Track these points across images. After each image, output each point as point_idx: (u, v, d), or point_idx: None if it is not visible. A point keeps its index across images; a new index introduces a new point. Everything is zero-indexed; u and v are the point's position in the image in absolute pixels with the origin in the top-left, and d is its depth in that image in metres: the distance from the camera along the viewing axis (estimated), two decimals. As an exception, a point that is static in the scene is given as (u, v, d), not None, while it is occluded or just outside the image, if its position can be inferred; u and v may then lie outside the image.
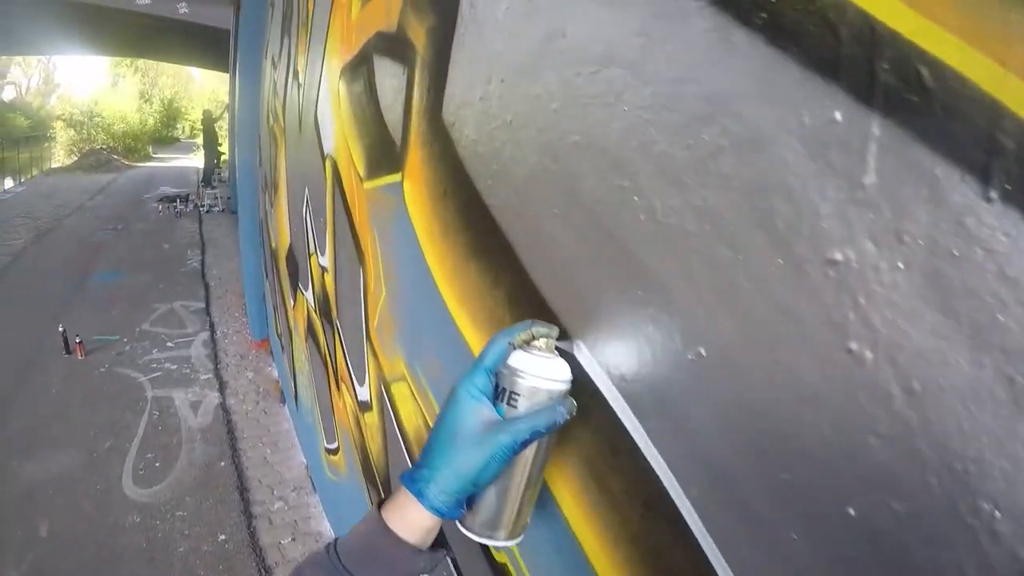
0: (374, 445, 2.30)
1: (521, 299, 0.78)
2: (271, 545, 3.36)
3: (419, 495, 0.57)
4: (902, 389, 0.37)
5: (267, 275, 4.66)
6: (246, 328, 5.38)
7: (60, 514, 3.42)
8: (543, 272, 0.73)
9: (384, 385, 1.82)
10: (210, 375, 4.84)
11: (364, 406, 2.35)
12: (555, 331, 0.62)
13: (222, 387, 4.68)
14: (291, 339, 3.75)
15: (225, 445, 4.08)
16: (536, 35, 0.72)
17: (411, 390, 1.56)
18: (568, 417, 0.58)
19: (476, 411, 0.57)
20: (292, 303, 3.50)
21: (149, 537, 3.37)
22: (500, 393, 0.59)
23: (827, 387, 0.42)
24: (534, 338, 0.60)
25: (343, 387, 2.63)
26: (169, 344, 5.22)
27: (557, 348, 0.62)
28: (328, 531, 3.49)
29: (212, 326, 5.51)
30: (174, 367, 4.93)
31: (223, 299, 5.98)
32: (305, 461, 3.91)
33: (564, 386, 0.60)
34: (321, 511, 3.56)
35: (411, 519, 0.58)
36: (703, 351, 0.52)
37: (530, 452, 0.59)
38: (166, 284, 6.14)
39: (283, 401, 4.50)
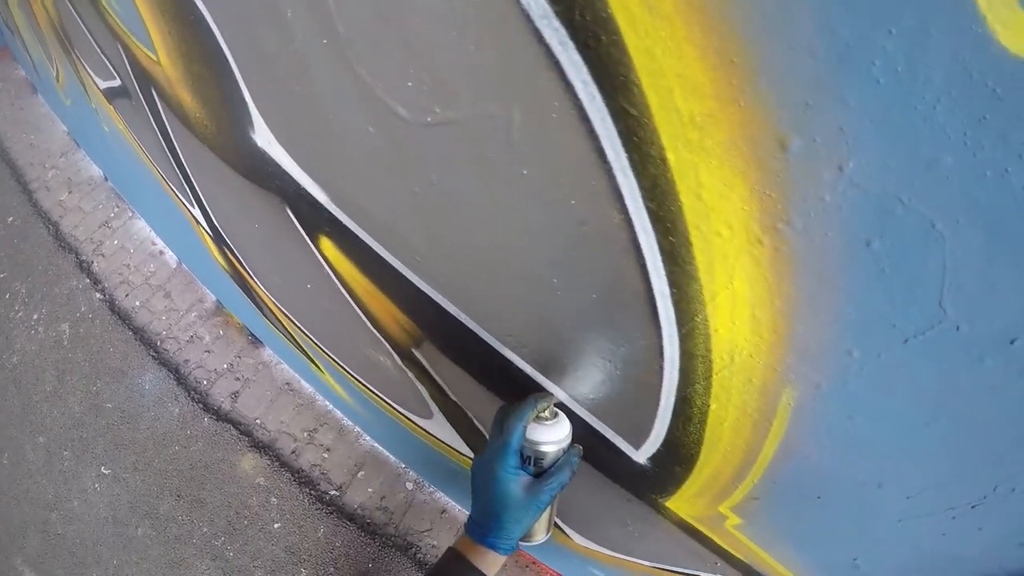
0: (45, 16, 2.20)
1: None
2: (53, 205, 3.36)
3: (495, 548, 0.79)
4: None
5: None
6: (-21, 46, 4.56)
7: None
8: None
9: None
10: (-46, 101, 4.25)
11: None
12: (553, 398, 0.80)
13: (-29, 106, 4.14)
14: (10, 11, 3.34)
15: (-10, 151, 3.75)
16: None
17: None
18: (579, 460, 0.80)
19: (517, 483, 0.76)
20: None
21: (-56, 252, 3.28)
22: (526, 459, 0.77)
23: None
24: (539, 413, 0.77)
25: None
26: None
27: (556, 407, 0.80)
28: (98, 172, 3.41)
29: (-59, 61, 4.69)
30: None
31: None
32: (64, 128, 3.64)
33: (569, 438, 0.79)
34: (88, 159, 3.45)
35: (489, 562, 0.80)
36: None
37: None
38: None
39: (36, 91, 4.01)
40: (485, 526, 0.79)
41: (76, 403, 2.59)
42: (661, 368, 0.65)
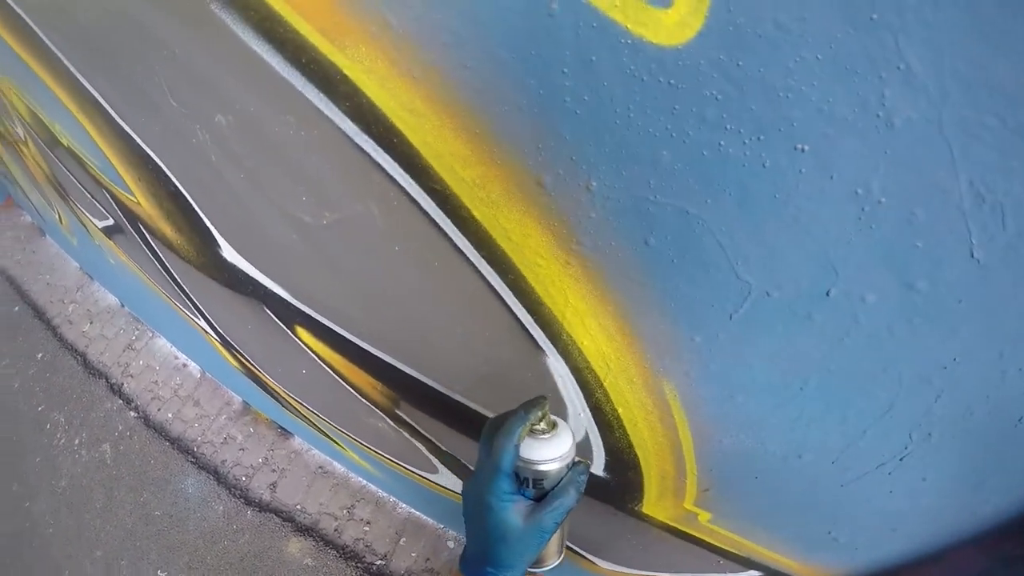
0: (39, 171, 2.36)
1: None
2: (78, 337, 3.55)
3: None
4: None
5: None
6: (-14, 201, 4.95)
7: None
8: None
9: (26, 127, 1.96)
10: (-30, 252, 4.60)
11: (19, 140, 2.41)
12: (545, 405, 0.62)
13: (-13, 257, 4.47)
14: (7, 167, 3.63)
15: (10, 293, 4.03)
16: None
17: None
18: (586, 478, 0.63)
19: (514, 511, 0.61)
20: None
21: (-15, 395, 3.50)
22: (523, 481, 0.62)
23: None
24: (532, 426, 0.61)
25: (21, 149, 2.63)
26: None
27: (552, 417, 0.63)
28: (114, 300, 3.62)
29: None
30: (-58, 270, 4.67)
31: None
32: (76, 264, 3.89)
33: (573, 452, 0.62)
34: (103, 290, 3.66)
35: None
36: None
37: None
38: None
39: (44, 233, 4.32)
40: (480, 562, 0.65)
41: (126, 515, 2.73)
42: (564, 386, 0.72)
